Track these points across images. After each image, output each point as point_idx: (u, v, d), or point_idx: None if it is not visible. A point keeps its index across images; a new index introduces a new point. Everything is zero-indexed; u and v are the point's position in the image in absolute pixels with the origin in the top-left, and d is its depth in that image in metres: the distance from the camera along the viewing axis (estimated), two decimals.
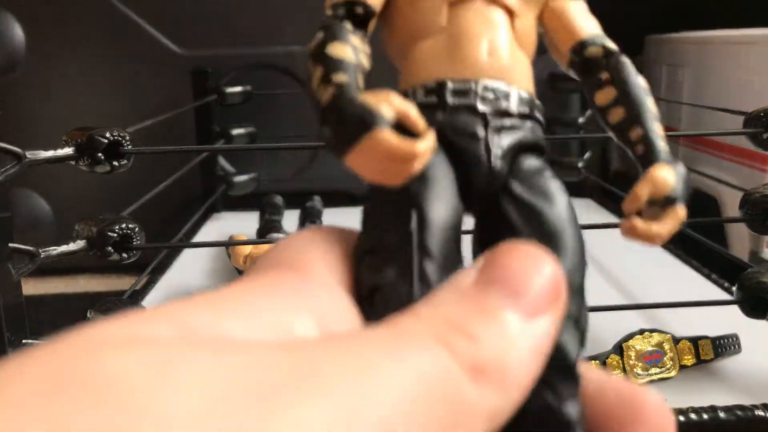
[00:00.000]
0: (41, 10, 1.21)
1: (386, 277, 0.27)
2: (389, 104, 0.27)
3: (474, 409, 0.18)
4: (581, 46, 0.36)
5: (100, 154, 0.59)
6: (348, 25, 0.32)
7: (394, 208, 0.28)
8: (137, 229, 0.61)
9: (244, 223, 1.16)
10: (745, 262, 0.85)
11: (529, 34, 0.36)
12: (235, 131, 1.28)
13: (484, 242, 0.31)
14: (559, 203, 0.31)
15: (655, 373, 0.66)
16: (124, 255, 0.61)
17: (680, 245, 1.04)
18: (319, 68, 0.29)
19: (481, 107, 0.31)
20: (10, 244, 0.55)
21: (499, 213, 0.31)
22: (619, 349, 0.66)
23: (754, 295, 0.64)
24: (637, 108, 0.34)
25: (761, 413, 0.60)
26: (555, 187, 0.31)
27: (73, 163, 0.59)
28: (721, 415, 0.60)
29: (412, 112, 0.27)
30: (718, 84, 1.14)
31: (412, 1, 0.34)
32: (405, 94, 0.32)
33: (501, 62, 0.33)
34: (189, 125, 1.26)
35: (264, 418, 0.15)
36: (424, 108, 0.30)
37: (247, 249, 0.89)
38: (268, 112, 1.31)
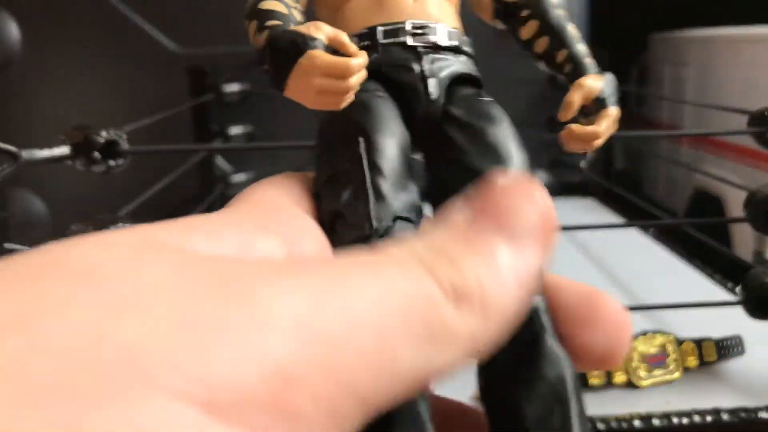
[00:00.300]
0: (38, 8, 1.20)
1: (343, 200, 0.27)
2: (319, 29, 0.28)
3: (453, 330, 0.18)
4: None
5: (96, 154, 0.58)
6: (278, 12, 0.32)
7: (343, 138, 0.29)
8: None
9: None
10: (748, 263, 0.85)
11: None
12: (233, 130, 1.27)
13: (433, 168, 0.32)
14: (499, 122, 0.32)
15: (659, 375, 0.65)
16: None
17: (683, 246, 1.04)
18: (253, 22, 0.30)
19: (411, 41, 0.32)
20: (6, 245, 0.54)
21: (444, 138, 0.31)
22: None
23: (757, 296, 0.63)
24: (560, 34, 0.36)
25: (765, 415, 0.60)
26: (495, 109, 0.32)
27: (69, 162, 0.58)
28: (725, 417, 0.60)
29: (342, 35, 0.28)
30: (721, 83, 1.14)
31: None
32: None
33: (427, 7, 0.34)
34: (186, 124, 1.26)
35: (230, 298, 0.16)
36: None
37: None
38: (266, 110, 1.30)
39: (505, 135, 0.31)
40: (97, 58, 1.26)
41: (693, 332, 0.69)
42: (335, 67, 0.27)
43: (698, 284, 0.92)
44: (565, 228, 1.10)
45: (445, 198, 0.28)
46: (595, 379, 0.64)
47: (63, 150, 0.58)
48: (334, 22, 0.34)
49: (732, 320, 0.68)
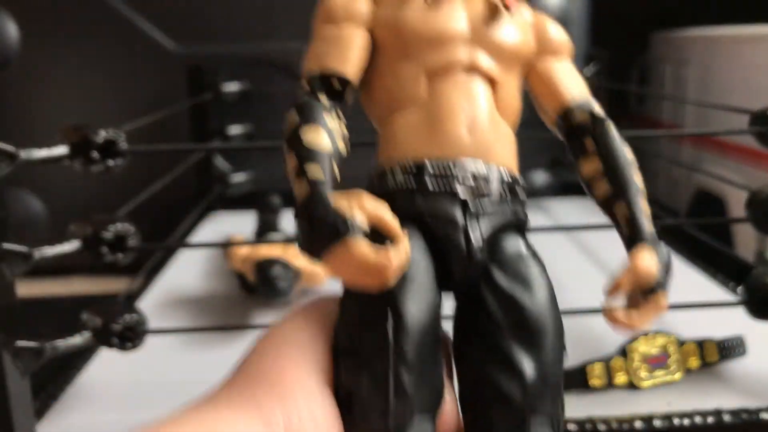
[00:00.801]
0: (36, 6, 1.20)
1: (362, 386, 0.27)
2: (362, 210, 0.26)
3: None
4: (568, 113, 0.36)
5: (95, 153, 0.58)
6: (324, 101, 0.31)
7: (370, 305, 0.28)
8: (132, 229, 0.60)
9: (241, 223, 1.15)
10: (750, 263, 0.84)
11: (513, 102, 0.35)
12: (232, 130, 1.27)
13: (463, 329, 0.31)
14: (539, 292, 0.30)
15: (660, 376, 0.65)
16: (119, 256, 0.60)
17: (685, 246, 1.04)
18: (293, 157, 0.29)
19: (461, 193, 0.30)
20: (4, 245, 0.54)
21: (479, 299, 0.30)
22: (623, 351, 0.65)
23: (759, 297, 0.63)
24: (622, 184, 0.34)
25: (767, 416, 0.60)
26: (536, 273, 0.31)
27: (67, 162, 0.58)
28: (727, 418, 0.59)
29: (386, 216, 0.27)
30: (723, 82, 1.14)
31: (391, 70, 0.34)
32: (383, 174, 0.32)
33: (482, 139, 0.32)
34: (184, 123, 1.25)
35: None
36: (402, 193, 0.30)
37: (244, 250, 0.88)
38: (265, 109, 1.30)
39: (543, 307, 0.30)
40: (95, 57, 1.26)
41: (694, 333, 0.68)
42: (371, 266, 0.26)
43: (700, 285, 0.91)
44: (565, 228, 1.10)
45: (472, 391, 0.29)
46: (596, 380, 0.64)
47: (61, 150, 0.57)
48: (380, 130, 0.34)
49: (734, 321, 0.67)
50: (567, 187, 1.35)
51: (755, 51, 1.05)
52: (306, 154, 0.29)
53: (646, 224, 0.33)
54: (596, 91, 1.39)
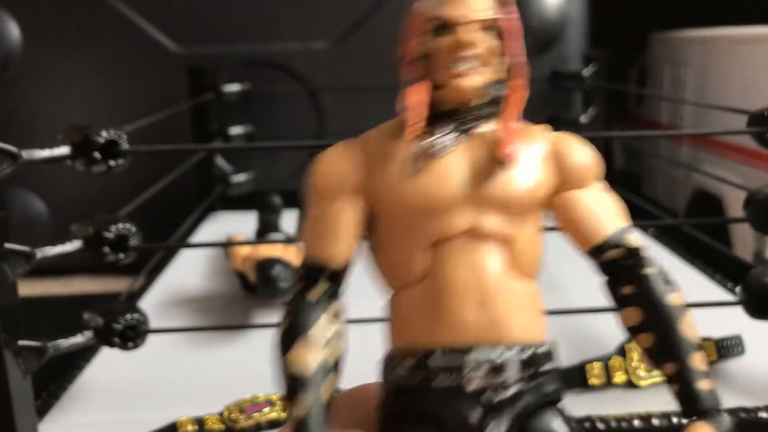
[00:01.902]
0: (37, 7, 1.20)
1: None
2: None
3: None
4: (599, 250, 0.33)
5: (96, 154, 0.58)
6: (319, 293, 0.30)
7: None
8: (134, 229, 0.61)
9: (242, 224, 1.15)
10: (749, 263, 0.84)
11: (532, 252, 0.33)
12: (233, 130, 1.27)
13: None
14: None
15: (659, 375, 0.65)
16: (121, 255, 0.60)
17: (683, 246, 1.04)
18: (282, 376, 0.29)
19: (474, 387, 0.28)
20: (6, 245, 0.54)
21: None
22: (621, 350, 0.65)
23: (758, 296, 0.63)
24: (669, 339, 0.31)
25: (765, 415, 0.60)
26: None
27: (69, 162, 0.58)
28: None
29: None
30: (721, 82, 1.14)
31: (391, 242, 0.32)
32: (392, 362, 0.31)
33: (495, 315, 0.30)
34: (185, 124, 1.25)
35: None
36: (411, 390, 0.28)
37: (245, 250, 0.88)
38: (266, 110, 1.30)
39: None
40: (96, 58, 1.26)
41: None
42: None
43: (698, 284, 0.92)
44: None
45: None
46: (594, 379, 0.64)
47: (63, 150, 0.57)
48: (389, 312, 0.32)
49: (732, 320, 0.68)
50: None
51: (754, 52, 1.05)
52: (293, 384, 0.28)
53: (704, 390, 0.30)
54: (595, 91, 1.39)
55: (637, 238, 0.34)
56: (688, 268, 0.97)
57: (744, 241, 1.02)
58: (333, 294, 0.31)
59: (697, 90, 1.21)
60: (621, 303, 0.33)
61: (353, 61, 1.28)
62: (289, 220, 1.13)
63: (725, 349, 0.68)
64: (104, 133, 0.58)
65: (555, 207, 0.34)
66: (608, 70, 1.26)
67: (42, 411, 0.64)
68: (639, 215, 1.15)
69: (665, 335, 0.31)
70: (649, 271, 0.33)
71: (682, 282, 1.06)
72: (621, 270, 0.33)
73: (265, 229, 1.03)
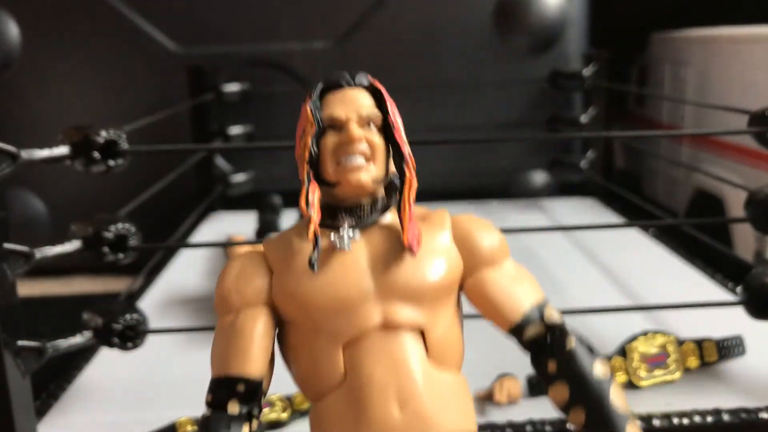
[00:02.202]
0: (37, 8, 1.20)
1: None
2: None
3: None
4: (518, 329, 0.33)
5: (96, 154, 0.58)
6: (234, 409, 0.30)
7: None
8: (133, 229, 0.61)
9: (242, 224, 1.15)
10: (749, 263, 0.84)
11: (451, 340, 0.32)
12: (233, 130, 1.27)
13: None
14: None
15: (659, 375, 0.65)
16: (120, 255, 0.60)
17: (684, 246, 1.04)
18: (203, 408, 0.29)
19: None
20: (5, 245, 0.54)
21: None
22: (622, 351, 0.65)
23: (758, 296, 0.63)
24: (601, 413, 0.31)
25: (766, 416, 0.60)
26: None
27: (68, 162, 0.58)
28: (726, 417, 0.59)
29: None
30: (722, 82, 1.14)
31: (304, 345, 0.31)
32: None
33: (418, 411, 0.29)
34: (185, 124, 1.25)
35: None
36: None
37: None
38: (266, 110, 1.30)
39: None
40: (96, 57, 1.26)
41: (694, 332, 0.69)
42: None
43: (699, 284, 0.91)
44: (565, 228, 1.10)
45: None
46: None
47: (62, 150, 0.57)
48: (311, 419, 0.31)
49: (733, 320, 0.68)
50: (566, 188, 1.36)
51: (754, 51, 1.05)
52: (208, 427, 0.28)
53: None
54: (595, 91, 1.39)
55: (554, 312, 0.34)
56: (689, 268, 0.97)
57: (745, 241, 1.02)
58: (250, 409, 0.31)
59: (697, 90, 1.21)
60: (548, 380, 0.33)
61: (353, 61, 1.28)
62: (289, 220, 1.13)
63: (726, 349, 0.68)
64: (104, 133, 0.58)
65: (468, 290, 0.34)
66: (608, 69, 1.26)
67: (41, 411, 0.64)
68: (639, 215, 1.15)
69: (597, 410, 0.31)
70: (571, 345, 0.33)
71: (683, 282, 1.06)
72: (543, 347, 0.33)
73: (265, 229, 1.03)
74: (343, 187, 0.32)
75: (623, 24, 1.41)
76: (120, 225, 0.60)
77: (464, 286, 0.33)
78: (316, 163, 0.33)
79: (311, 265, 0.31)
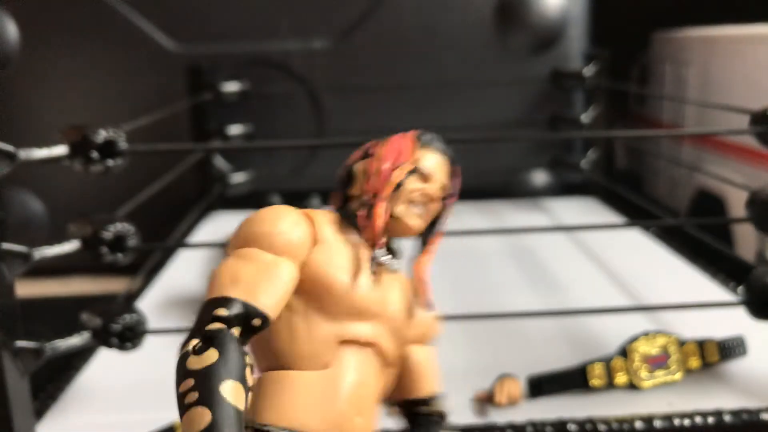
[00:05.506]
0: (36, 7, 1.20)
1: None
2: None
3: None
4: (415, 402, 0.38)
5: (94, 153, 0.58)
6: (236, 334, 0.30)
7: None
8: (132, 229, 0.60)
9: None
10: (751, 263, 0.84)
11: (393, 383, 0.37)
12: (232, 130, 1.27)
13: None
14: None
15: (660, 376, 0.65)
16: (119, 256, 0.60)
17: (685, 246, 1.03)
18: (217, 407, 0.28)
19: None
20: (4, 245, 0.54)
21: None
22: (623, 351, 0.65)
23: (760, 297, 0.63)
24: None
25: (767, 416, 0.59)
26: None
27: (67, 162, 0.58)
28: (727, 418, 0.59)
29: None
30: (724, 82, 1.13)
31: (306, 319, 0.32)
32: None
33: (369, 422, 0.32)
34: (184, 123, 1.25)
35: None
36: None
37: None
38: (265, 110, 1.30)
39: None
40: (94, 56, 1.26)
41: (695, 333, 0.68)
42: None
43: (700, 285, 0.91)
44: (566, 228, 1.10)
45: None
46: (596, 380, 0.63)
47: (61, 149, 0.57)
48: (267, 384, 0.32)
49: (734, 321, 0.67)
50: (567, 187, 1.35)
51: (756, 51, 1.05)
52: (229, 413, 0.27)
53: None
54: (596, 90, 1.39)
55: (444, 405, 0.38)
56: (690, 268, 0.97)
57: (746, 241, 1.01)
58: (245, 343, 0.30)
59: (699, 89, 1.21)
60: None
61: (353, 61, 1.28)
62: None
63: (727, 350, 0.67)
64: (102, 133, 0.58)
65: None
66: (610, 69, 1.26)
67: (40, 412, 0.64)
68: (641, 215, 1.15)
69: None
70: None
71: (684, 282, 1.06)
72: (423, 421, 0.37)
73: None
74: (397, 223, 0.35)
75: (625, 23, 1.41)
76: (119, 225, 0.60)
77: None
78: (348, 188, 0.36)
79: (361, 266, 0.33)
